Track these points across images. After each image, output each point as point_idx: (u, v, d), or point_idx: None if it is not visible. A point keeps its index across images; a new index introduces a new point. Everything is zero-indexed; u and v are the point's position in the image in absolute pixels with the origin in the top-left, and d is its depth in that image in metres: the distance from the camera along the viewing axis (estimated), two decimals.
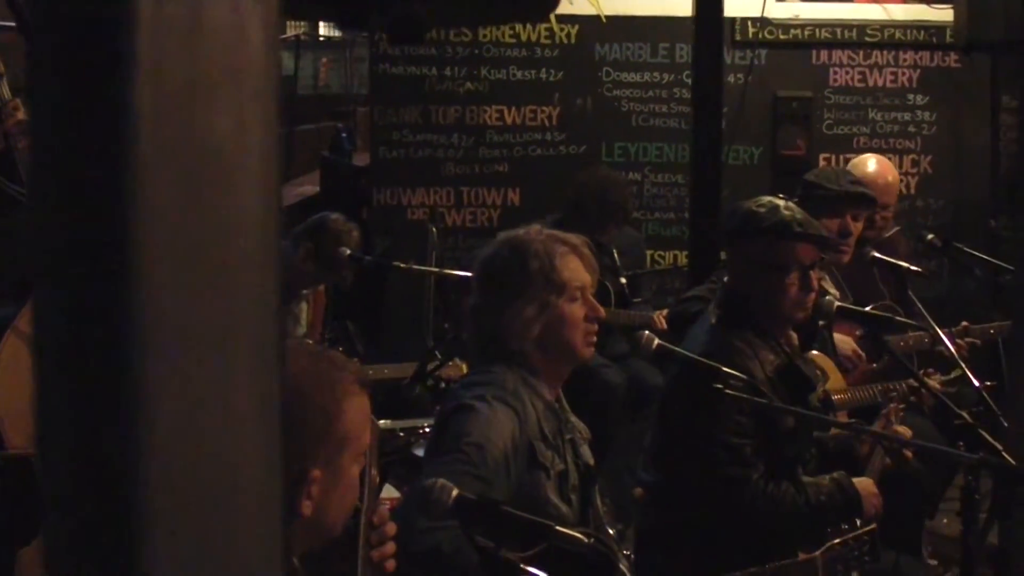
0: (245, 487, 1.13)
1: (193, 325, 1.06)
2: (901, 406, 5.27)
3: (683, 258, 8.87)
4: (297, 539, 2.55)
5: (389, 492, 5.11)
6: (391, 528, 2.76)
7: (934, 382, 5.78)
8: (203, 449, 1.08)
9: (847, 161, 9.18)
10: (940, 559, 6.62)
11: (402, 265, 7.39)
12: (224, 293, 1.09)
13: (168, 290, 1.03)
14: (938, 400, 4.69)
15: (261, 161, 1.13)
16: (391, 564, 2.76)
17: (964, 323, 6.56)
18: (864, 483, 4.77)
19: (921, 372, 5.79)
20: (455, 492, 2.89)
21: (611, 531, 5.93)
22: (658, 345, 4.22)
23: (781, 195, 4.99)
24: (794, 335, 4.97)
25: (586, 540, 2.73)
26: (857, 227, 6.11)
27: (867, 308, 5.82)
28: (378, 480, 2.75)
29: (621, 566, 2.70)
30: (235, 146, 1.10)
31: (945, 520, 6.96)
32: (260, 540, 1.16)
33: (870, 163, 7.14)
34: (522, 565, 2.71)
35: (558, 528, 2.78)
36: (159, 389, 1.03)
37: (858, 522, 4.50)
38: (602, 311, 4.17)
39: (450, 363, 6.29)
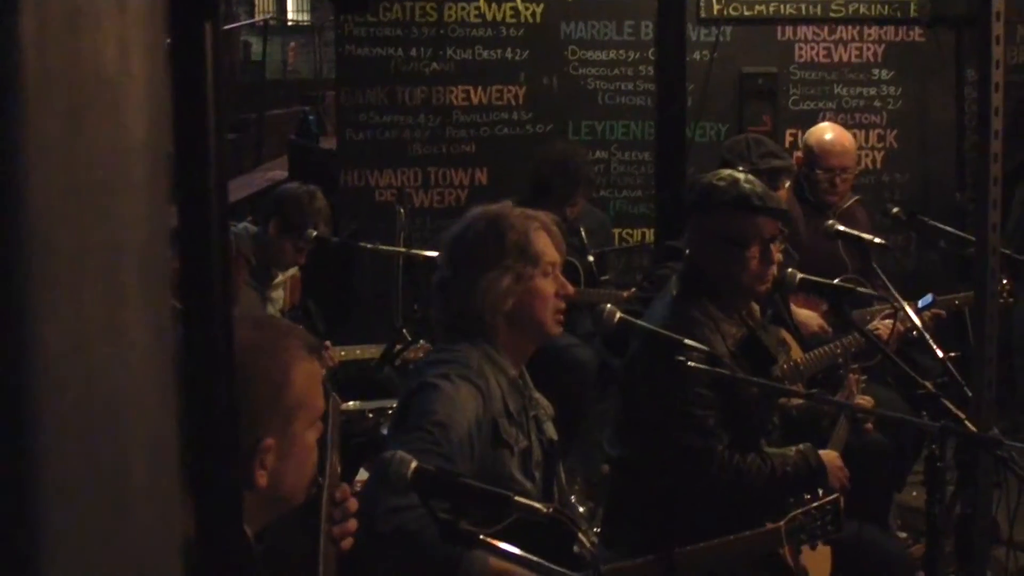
0: (136, 418, 1.13)
1: (81, 254, 1.06)
2: (863, 377, 5.30)
3: (651, 235, 8.89)
4: (254, 511, 2.54)
5: (362, 476, 5.10)
6: (353, 504, 2.76)
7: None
8: (93, 376, 1.07)
9: None
10: (910, 531, 6.65)
11: (368, 246, 7.38)
12: (112, 221, 1.09)
13: (56, 218, 1.03)
14: (900, 369, 4.70)
15: (148, 88, 1.13)
16: (348, 542, 2.75)
17: (930, 294, 6.59)
18: (829, 456, 4.79)
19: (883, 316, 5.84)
20: (413, 464, 2.90)
21: (581, 509, 5.96)
22: (620, 319, 4.22)
23: (740, 168, 5.01)
24: (756, 307, 4.99)
25: (544, 510, 2.73)
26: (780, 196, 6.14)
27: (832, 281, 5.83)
28: (339, 458, 2.73)
29: (581, 536, 2.69)
30: (121, 73, 1.09)
31: (915, 492, 6.99)
32: (153, 469, 1.15)
33: (827, 133, 7.18)
34: (481, 536, 2.70)
35: (516, 498, 2.78)
36: (47, 316, 1.03)
37: (820, 492, 4.52)
38: (571, 288, 4.18)
39: (418, 344, 6.30)
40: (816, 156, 6.96)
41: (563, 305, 4.14)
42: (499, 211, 4.17)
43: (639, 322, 4.45)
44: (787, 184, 6.23)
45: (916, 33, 9.82)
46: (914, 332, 5.74)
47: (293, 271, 7.14)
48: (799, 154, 6.89)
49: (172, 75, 1.68)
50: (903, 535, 6.68)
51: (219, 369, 1.69)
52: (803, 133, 9.06)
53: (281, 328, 2.76)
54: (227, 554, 1.70)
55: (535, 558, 2.80)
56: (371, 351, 6.72)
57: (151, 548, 1.15)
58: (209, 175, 1.68)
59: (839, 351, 5.82)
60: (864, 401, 5.10)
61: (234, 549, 1.71)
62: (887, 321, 5.92)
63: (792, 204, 6.21)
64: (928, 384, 4.43)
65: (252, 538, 2.61)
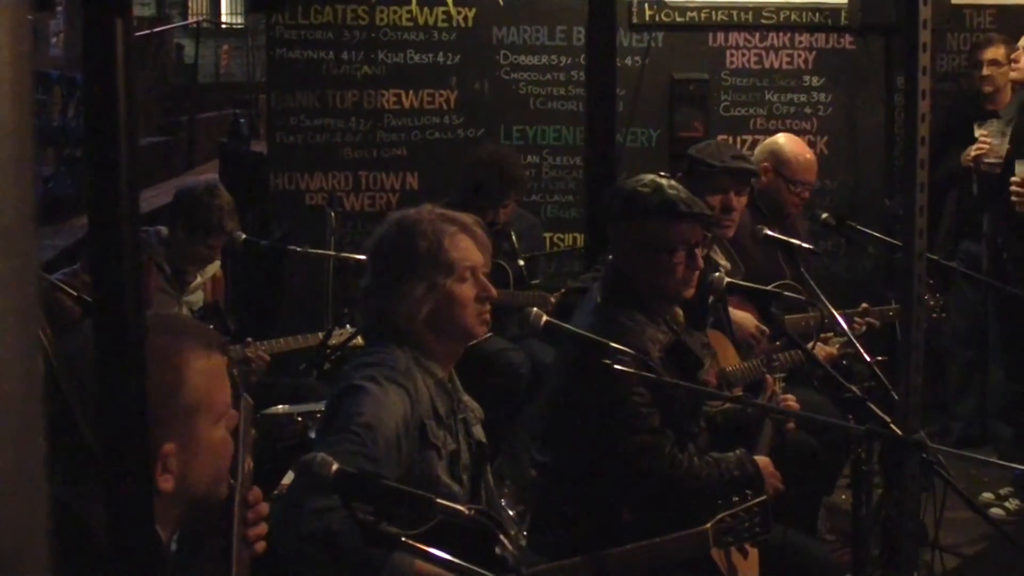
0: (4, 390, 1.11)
1: None
2: (780, 375, 5.32)
3: (582, 240, 8.89)
4: (167, 513, 2.52)
5: (290, 479, 5.07)
6: (264, 508, 2.74)
7: (832, 348, 5.87)
8: None
9: (743, 143, 9.28)
10: (839, 534, 6.69)
11: (298, 249, 7.37)
12: None
13: None
14: (827, 372, 4.73)
15: (13, 70, 1.11)
16: (262, 545, 2.73)
17: (864, 304, 6.65)
18: (763, 462, 4.81)
19: (821, 337, 5.88)
20: (335, 466, 2.89)
21: (511, 512, 5.95)
22: (546, 321, 4.22)
23: (662, 172, 5.01)
24: (680, 312, 5.00)
25: (467, 512, 2.73)
26: (740, 202, 6.16)
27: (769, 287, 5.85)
28: (251, 460, 2.71)
29: (503, 538, 2.68)
30: None
31: (844, 496, 7.03)
32: (18, 456, 1.13)
33: (803, 149, 7.13)
34: (403, 538, 2.69)
35: (438, 500, 2.78)
36: None
37: (748, 493, 4.53)
38: (494, 291, 4.17)
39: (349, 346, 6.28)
40: (791, 170, 6.93)
41: (487, 307, 4.13)
42: (412, 218, 4.15)
43: (565, 325, 4.44)
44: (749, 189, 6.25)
45: (847, 41, 9.87)
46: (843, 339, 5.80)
47: (214, 270, 7.08)
48: (765, 164, 6.87)
49: (84, 75, 1.66)
50: (832, 538, 6.72)
51: (129, 373, 1.68)
52: (734, 139, 9.15)
53: (173, 328, 2.72)
54: (138, 555, 1.69)
55: (458, 561, 2.80)
56: (300, 342, 6.70)
57: (16, 535, 1.14)
58: (120, 181, 1.66)
59: (762, 362, 5.85)
60: (790, 401, 5.13)
61: (145, 550, 1.69)
62: (825, 347, 5.98)
63: (744, 213, 6.23)
64: (854, 388, 4.46)
65: (167, 541, 2.58)
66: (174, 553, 2.67)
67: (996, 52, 8.52)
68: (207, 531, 2.66)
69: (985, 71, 8.55)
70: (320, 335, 6.48)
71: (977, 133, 8.08)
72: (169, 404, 2.55)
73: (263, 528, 2.72)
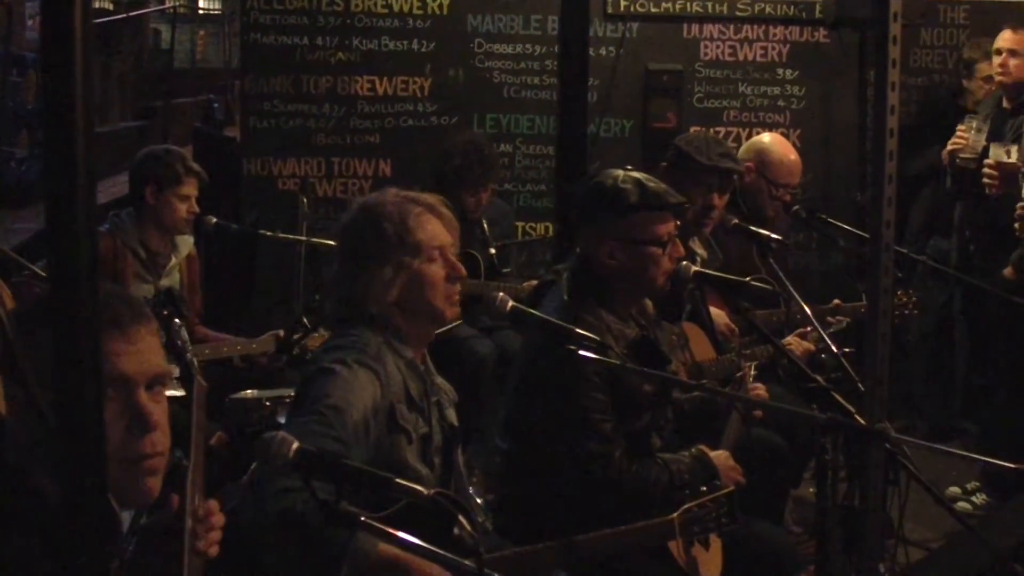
0: None
1: None
2: (752, 364, 5.33)
3: (553, 229, 8.90)
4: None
5: None
6: (219, 520, 2.74)
7: (810, 344, 5.88)
8: None
9: (717, 134, 9.26)
10: (805, 525, 6.69)
11: (269, 234, 7.36)
12: None
13: None
14: (791, 363, 4.73)
15: None
16: (214, 549, 2.73)
17: (836, 301, 6.66)
18: (720, 457, 4.82)
19: (798, 332, 5.90)
20: (295, 445, 2.88)
21: (479, 500, 5.95)
22: (512, 307, 4.20)
23: (628, 166, 4.99)
24: (649, 304, 5.00)
25: (425, 492, 2.73)
26: (722, 201, 6.16)
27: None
28: (202, 475, 2.70)
29: (461, 518, 2.68)
30: None
31: (812, 488, 7.04)
32: None
33: (789, 152, 7.10)
34: (363, 517, 2.69)
35: (397, 480, 2.78)
36: None
37: (717, 484, 4.55)
38: (463, 269, 4.16)
39: (315, 334, 6.28)
40: (775, 173, 6.91)
41: (457, 287, 4.13)
42: (377, 201, 4.16)
43: (531, 311, 4.43)
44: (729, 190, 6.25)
45: (821, 34, 9.90)
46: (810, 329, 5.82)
47: (188, 248, 7.05)
48: (749, 164, 6.85)
49: (42, 61, 1.66)
50: (798, 530, 6.73)
51: (84, 360, 1.69)
52: (707, 131, 9.14)
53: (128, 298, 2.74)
54: (92, 523, 1.69)
55: (419, 541, 2.80)
56: (264, 344, 6.71)
57: None
58: (76, 174, 1.66)
59: (736, 354, 5.85)
60: (759, 390, 5.14)
61: (99, 518, 1.70)
62: (803, 342, 5.99)
63: (724, 211, 6.23)
64: (819, 378, 4.47)
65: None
66: (131, 551, 2.67)
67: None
68: (162, 532, 2.66)
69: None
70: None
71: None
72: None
73: (216, 535, 2.71)
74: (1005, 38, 7.93)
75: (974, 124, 7.83)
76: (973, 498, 7.73)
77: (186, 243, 7.03)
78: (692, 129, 8.69)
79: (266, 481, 3.50)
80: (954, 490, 7.78)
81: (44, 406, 1.74)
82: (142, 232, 6.74)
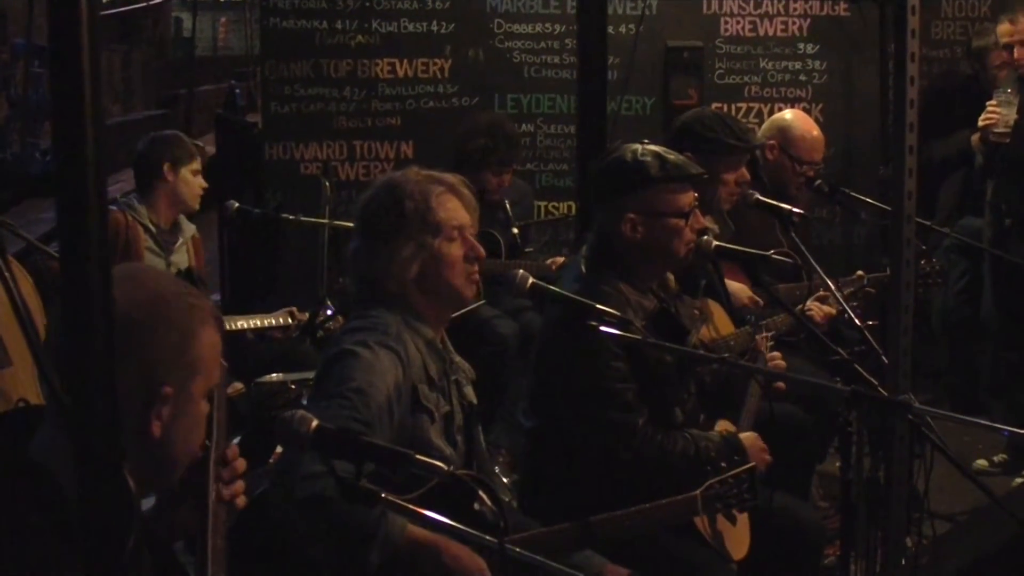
0: None
1: None
2: (769, 333, 5.31)
3: (576, 208, 8.89)
4: (141, 472, 2.50)
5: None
6: (241, 464, 2.73)
7: (831, 307, 5.87)
8: None
9: (738, 111, 9.26)
10: (832, 500, 6.68)
11: (291, 217, 7.40)
12: None
13: None
14: (814, 335, 4.72)
15: None
16: (242, 500, 2.73)
17: (859, 272, 6.64)
18: (749, 438, 4.82)
19: (818, 296, 5.90)
20: (315, 423, 2.88)
21: (505, 480, 5.96)
22: (532, 284, 4.20)
23: (645, 140, 5.00)
24: (672, 277, 5.00)
25: (446, 468, 2.73)
26: (746, 176, 6.16)
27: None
28: (227, 416, 2.70)
29: (481, 493, 2.68)
30: None
31: (837, 463, 7.02)
32: None
33: (812, 128, 7.09)
34: (383, 495, 2.70)
35: (417, 456, 2.78)
36: None
37: (737, 459, 4.54)
38: (481, 250, 4.16)
39: (340, 316, 6.30)
40: (798, 150, 6.89)
41: (476, 267, 4.13)
42: (399, 180, 4.15)
43: (552, 288, 4.43)
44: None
45: (841, 8, 9.86)
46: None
47: (192, 231, 7.16)
48: (772, 141, 6.83)
49: (50, 52, 1.66)
50: (825, 504, 6.73)
51: (95, 344, 1.69)
52: (728, 107, 9.13)
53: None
54: (109, 509, 1.69)
55: (444, 519, 2.80)
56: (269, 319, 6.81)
57: None
58: (87, 157, 1.66)
59: (752, 326, 5.84)
60: (777, 360, 5.13)
61: (117, 504, 1.70)
62: (823, 306, 5.99)
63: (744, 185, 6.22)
64: (842, 351, 4.46)
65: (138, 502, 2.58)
66: (148, 511, 2.67)
67: None
68: (184, 489, 2.66)
69: None
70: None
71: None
72: (179, 351, 2.52)
73: (240, 485, 2.71)
74: (1005, 32, 7.94)
75: (1003, 98, 7.79)
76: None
77: (189, 226, 7.23)
78: (714, 106, 8.66)
79: (292, 467, 3.52)
80: (981, 463, 7.76)
81: (56, 385, 1.74)
82: (151, 212, 6.95)
